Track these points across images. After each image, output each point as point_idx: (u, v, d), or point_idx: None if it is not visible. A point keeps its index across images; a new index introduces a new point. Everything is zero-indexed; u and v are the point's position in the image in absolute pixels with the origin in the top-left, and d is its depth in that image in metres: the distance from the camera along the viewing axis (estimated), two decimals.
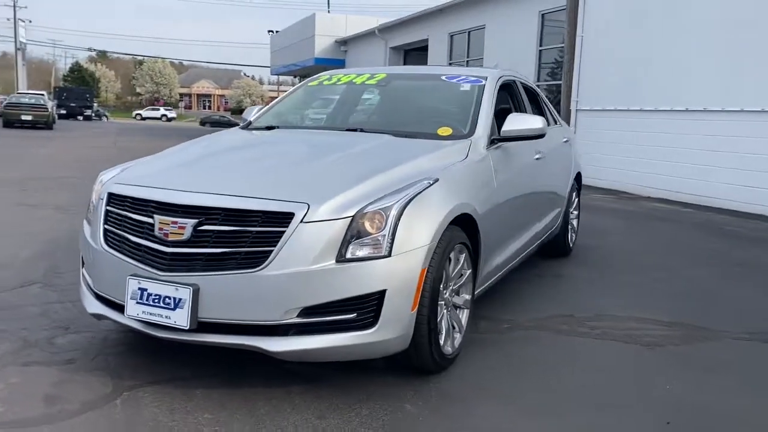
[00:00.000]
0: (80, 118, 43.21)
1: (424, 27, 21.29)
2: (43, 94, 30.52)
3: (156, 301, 2.56)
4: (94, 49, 72.37)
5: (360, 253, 2.54)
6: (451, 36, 19.93)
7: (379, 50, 24.82)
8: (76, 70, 74.02)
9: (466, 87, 3.97)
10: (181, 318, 2.51)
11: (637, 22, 10.88)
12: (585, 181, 11.55)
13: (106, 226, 2.85)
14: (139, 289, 2.60)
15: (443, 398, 2.71)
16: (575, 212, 5.64)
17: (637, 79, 10.80)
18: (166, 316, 2.54)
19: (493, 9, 17.16)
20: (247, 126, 4.16)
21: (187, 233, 2.56)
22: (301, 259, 2.48)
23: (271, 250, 2.48)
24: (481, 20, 17.85)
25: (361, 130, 3.70)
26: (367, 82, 4.26)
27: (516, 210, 3.83)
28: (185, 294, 2.50)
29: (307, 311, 2.49)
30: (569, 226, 5.39)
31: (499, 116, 3.80)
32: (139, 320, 2.63)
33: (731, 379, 3.04)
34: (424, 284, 2.67)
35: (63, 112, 42.37)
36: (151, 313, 2.57)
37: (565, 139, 5.21)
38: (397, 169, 2.93)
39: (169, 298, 2.53)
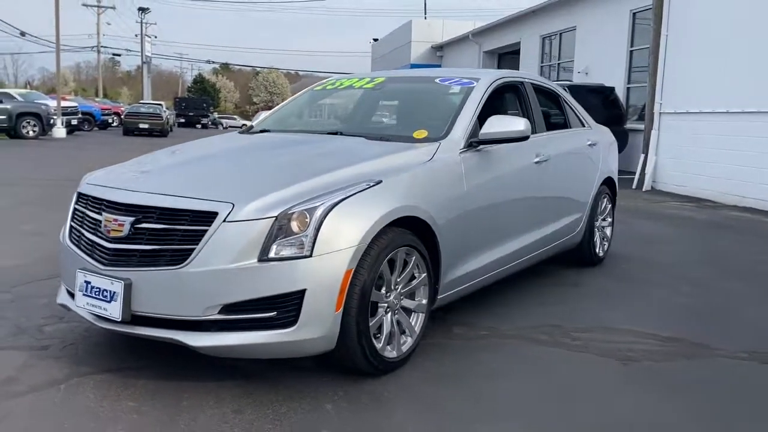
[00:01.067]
0: (198, 126, 45.87)
1: (516, 30, 20.93)
2: (160, 104, 32.74)
3: (97, 293, 2.73)
4: (214, 62, 76.51)
5: (284, 253, 2.58)
6: (543, 38, 19.46)
7: (473, 54, 24.65)
8: (199, 82, 78.73)
9: (456, 89, 3.91)
10: (114, 310, 2.66)
11: (724, 20, 10.14)
12: (665, 187, 11.06)
13: (71, 223, 3.07)
14: (85, 281, 2.78)
15: (371, 401, 2.69)
16: (607, 219, 5.35)
17: (723, 80, 10.05)
18: (104, 308, 2.70)
19: (584, 9, 16.58)
20: (248, 130, 4.31)
21: (125, 230, 2.71)
22: (222, 258, 2.56)
23: (194, 248, 2.58)
24: (572, 21, 17.30)
25: (340, 133, 3.73)
26: (365, 86, 4.29)
27: (500, 214, 3.72)
28: (119, 288, 2.65)
29: (228, 308, 2.57)
30: (597, 234, 5.13)
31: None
32: (85, 310, 2.81)
33: (692, 399, 2.80)
34: (351, 285, 2.66)
35: (182, 120, 45.26)
36: (93, 305, 2.75)
37: (589, 142, 4.96)
38: (343, 170, 2.95)
39: (107, 291, 2.69)
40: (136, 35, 47.69)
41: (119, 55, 57.86)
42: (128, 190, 2.86)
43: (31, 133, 20.78)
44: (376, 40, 36.79)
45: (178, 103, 49.36)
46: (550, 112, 4.80)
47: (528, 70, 19.84)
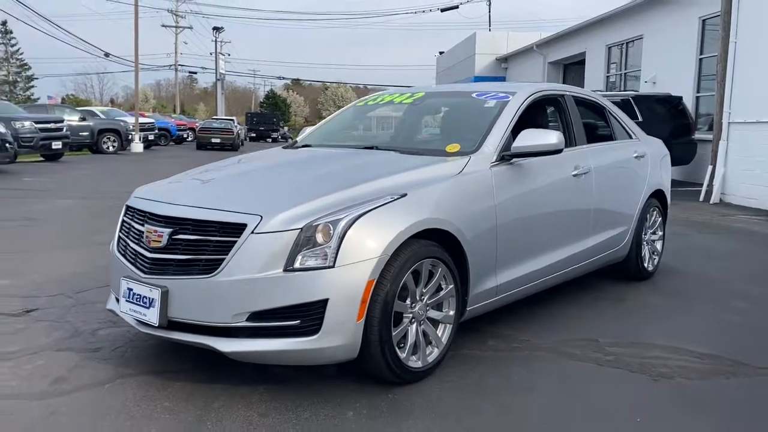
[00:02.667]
0: (269, 140, 47.11)
1: (581, 40, 20.59)
2: (232, 120, 33.88)
3: (137, 299, 2.92)
4: (284, 77, 78.71)
5: (308, 263, 2.70)
6: (609, 48, 19.05)
7: (537, 66, 24.39)
8: (271, 97, 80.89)
9: (491, 104, 3.95)
10: (153, 316, 2.85)
11: None
12: (734, 200, 10.61)
13: (120, 234, 3.29)
14: (128, 288, 2.98)
15: (391, 410, 2.75)
16: (658, 233, 5.22)
17: None
18: (144, 314, 2.89)
19: (651, 17, 16.16)
20: (291, 145, 4.48)
21: (164, 241, 2.90)
22: (249, 267, 2.69)
23: (224, 258, 2.73)
24: (639, 30, 16.88)
25: (376, 148, 3.83)
26: (404, 102, 4.38)
27: (534, 227, 3.72)
28: (156, 294, 2.83)
29: (255, 316, 2.70)
30: (645, 248, 5.02)
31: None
32: (129, 315, 3.01)
33: (717, 419, 2.73)
34: (373, 296, 2.75)
35: (253, 135, 46.62)
36: (134, 310, 2.94)
37: (636, 155, 4.88)
38: (370, 184, 3.04)
39: (146, 297, 2.88)
40: (210, 53, 49.56)
41: (195, 73, 60.38)
42: (168, 203, 3.05)
43: (110, 148, 21.95)
44: (441, 53, 36.90)
45: (249, 118, 50.85)
46: (594, 125, 4.76)
47: (593, 81, 19.47)
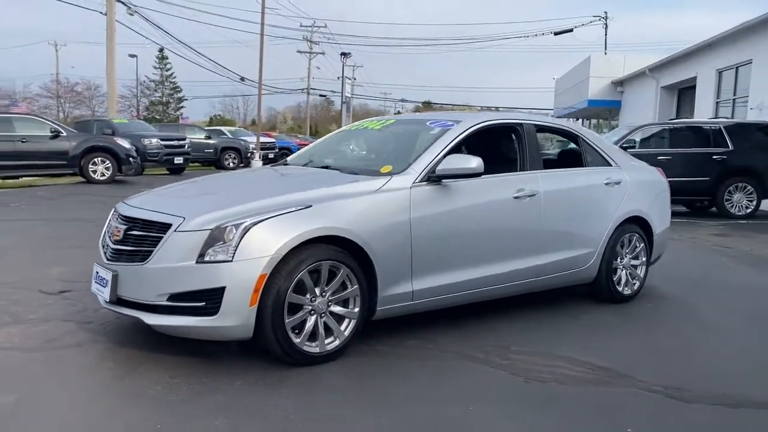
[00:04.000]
0: None
1: (692, 64, 19.81)
2: None
3: (99, 281, 3.73)
4: (408, 100, 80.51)
5: (216, 258, 3.36)
6: (719, 72, 18.22)
7: (650, 90, 23.61)
8: None
9: (435, 131, 4.42)
10: (107, 293, 3.63)
11: None
12: None
13: (105, 230, 4.13)
14: (96, 272, 3.80)
15: (275, 383, 3.33)
16: (640, 259, 5.33)
17: None
18: (102, 292, 3.68)
19: (761, 40, 15.38)
20: (283, 163, 5.18)
21: (121, 235, 3.68)
22: (170, 258, 3.40)
23: (152, 250, 3.46)
24: (749, 54, 16.11)
25: (328, 168, 4.43)
26: (375, 128, 4.96)
27: (458, 242, 4.11)
28: (109, 277, 3.61)
29: (173, 297, 3.40)
30: (623, 273, 5.18)
31: (492, 159, 4.38)
32: (96, 293, 3.82)
33: (549, 416, 3.05)
34: (265, 286, 3.35)
35: None
36: (98, 289, 3.75)
37: (607, 181, 5.08)
38: (288, 196, 3.67)
39: (104, 279, 3.67)
40: (337, 77, 52.16)
41: (325, 95, 63.48)
42: (132, 206, 3.84)
43: (231, 164, 24.00)
44: (556, 78, 36.48)
45: None
46: (562, 151, 5.03)
47: (703, 107, 18.66)
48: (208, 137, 23.75)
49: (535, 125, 4.86)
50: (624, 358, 3.89)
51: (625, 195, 5.19)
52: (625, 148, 12.14)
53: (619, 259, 5.18)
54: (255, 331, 3.40)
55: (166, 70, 62.30)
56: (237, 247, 3.34)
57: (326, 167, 4.48)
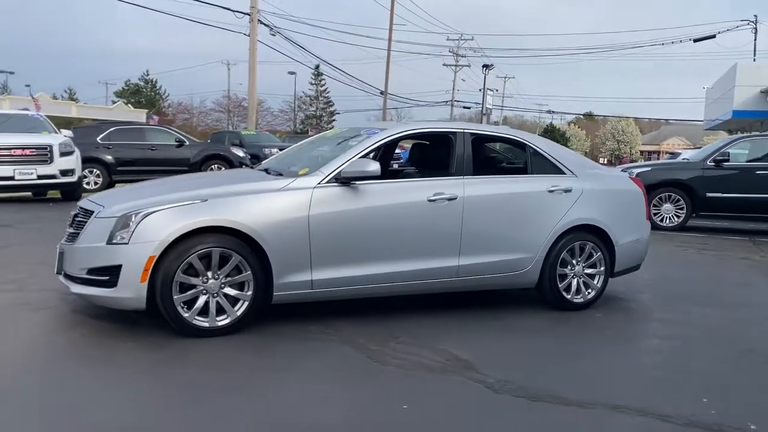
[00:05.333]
0: None
1: None
2: None
3: (57, 258, 4.56)
4: (553, 111, 78.26)
5: (119, 240, 4.04)
6: None
7: None
8: (550, 131, 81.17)
9: (361, 137, 4.80)
10: (56, 267, 4.44)
11: None
12: None
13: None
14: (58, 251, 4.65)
15: (160, 346, 3.94)
16: (599, 268, 5.25)
17: None
18: (56, 266, 4.51)
19: None
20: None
21: (71, 220, 4.50)
22: (89, 239, 4.15)
23: (79, 232, 4.22)
24: None
25: (266, 170, 4.97)
26: (328, 136, 5.42)
27: (362, 239, 4.45)
28: (58, 254, 4.43)
29: (89, 271, 4.13)
30: (573, 280, 5.16)
31: (425, 164, 4.81)
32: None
33: (373, 392, 3.42)
34: (154, 267, 3.97)
35: None
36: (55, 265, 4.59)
37: (551, 189, 5.09)
38: (194, 191, 4.27)
39: (58, 255, 4.49)
40: (479, 89, 52.30)
41: (469, 107, 63.72)
42: (89, 200, 4.65)
43: None
44: (705, 88, 33.85)
45: None
46: (501, 159, 5.15)
47: None
48: None
49: (473, 134, 5.05)
50: (494, 356, 4.02)
51: (574, 203, 5.18)
52: (718, 162, 11.43)
53: (569, 267, 5.17)
54: (149, 304, 4.03)
55: (321, 86, 66.12)
56: (133, 232, 3.99)
57: (265, 170, 5.03)
